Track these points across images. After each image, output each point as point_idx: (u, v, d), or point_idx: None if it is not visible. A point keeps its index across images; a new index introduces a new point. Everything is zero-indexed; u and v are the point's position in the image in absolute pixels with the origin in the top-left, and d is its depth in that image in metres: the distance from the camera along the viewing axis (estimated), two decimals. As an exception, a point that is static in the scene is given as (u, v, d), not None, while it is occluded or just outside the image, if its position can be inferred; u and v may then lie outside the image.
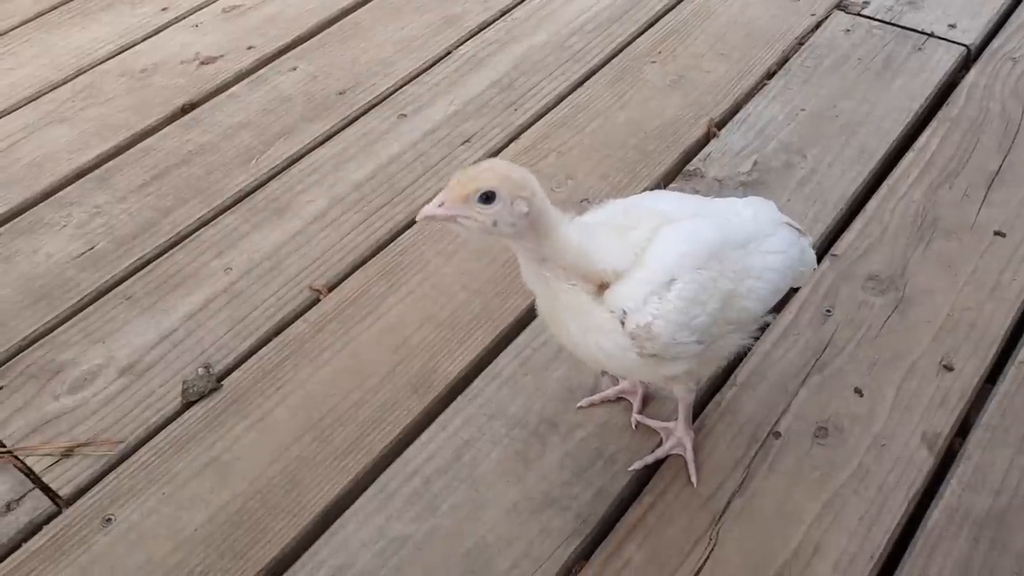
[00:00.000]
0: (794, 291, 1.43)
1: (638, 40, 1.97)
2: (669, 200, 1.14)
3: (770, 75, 1.87)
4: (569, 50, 1.96)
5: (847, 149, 1.69)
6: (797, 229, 1.17)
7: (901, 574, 1.13)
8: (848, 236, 1.53)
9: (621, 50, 1.95)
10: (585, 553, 1.16)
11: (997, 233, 1.52)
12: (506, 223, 0.95)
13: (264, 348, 1.40)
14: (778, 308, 1.40)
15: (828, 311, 1.41)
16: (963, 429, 1.28)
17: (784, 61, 1.90)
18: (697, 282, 1.00)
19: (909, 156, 1.67)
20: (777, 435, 1.26)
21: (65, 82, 1.92)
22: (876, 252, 1.50)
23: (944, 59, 1.87)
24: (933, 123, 1.74)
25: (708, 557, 1.14)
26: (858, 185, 1.62)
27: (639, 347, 1.00)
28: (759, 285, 1.08)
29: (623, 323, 0.99)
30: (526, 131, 1.77)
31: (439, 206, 0.95)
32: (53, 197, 1.67)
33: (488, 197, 0.93)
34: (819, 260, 1.48)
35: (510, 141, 1.75)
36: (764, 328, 1.37)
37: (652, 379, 1.22)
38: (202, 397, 1.33)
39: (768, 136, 1.73)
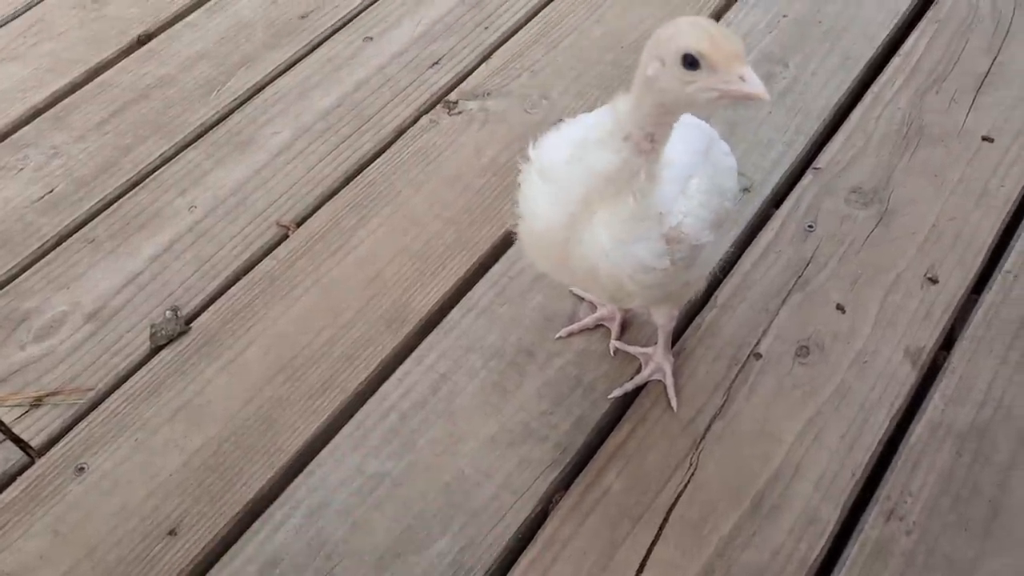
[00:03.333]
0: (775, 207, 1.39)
1: (613, -52, 1.88)
2: None
3: (751, -20, 1.79)
4: (541, -39, 1.87)
5: (831, 56, 1.62)
6: None
7: (883, 490, 1.12)
8: (831, 148, 1.48)
9: (595, -41, 1.86)
10: (564, 483, 1.15)
11: (985, 138, 1.47)
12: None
13: (232, 288, 1.37)
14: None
15: (810, 227, 1.37)
16: (948, 342, 1.26)
17: (766, -36, 1.82)
18: (707, 176, 0.98)
19: (895, 61, 1.61)
20: (758, 356, 1.24)
21: (15, 17, 1.83)
22: (860, 163, 1.45)
23: (933, -44, 1.79)
24: (920, 24, 1.67)
25: (688, 481, 1.13)
26: (842, 94, 1.56)
27: (672, 252, 0.94)
28: (729, 184, 1.06)
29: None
30: (497, 50, 1.70)
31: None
32: (8, 139, 1.60)
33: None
34: (801, 174, 1.45)
35: (481, 61, 1.68)
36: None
37: (653, 298, 1.09)
38: (171, 341, 1.30)
39: (749, 45, 1.65)
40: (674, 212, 0.94)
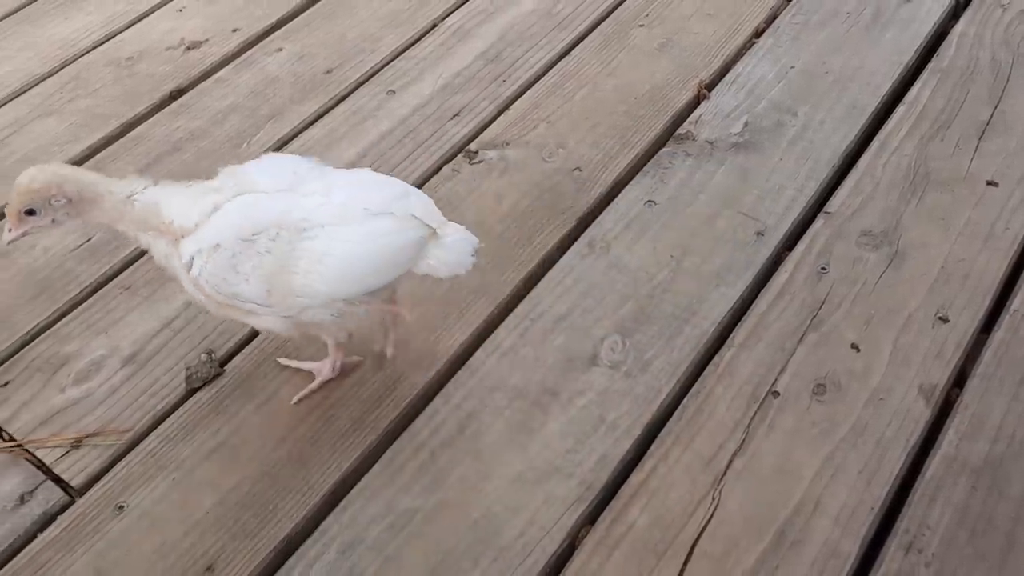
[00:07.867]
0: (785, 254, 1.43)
1: (625, 3, 1.96)
2: (277, 167, 1.20)
3: (759, 33, 1.87)
4: (556, 17, 1.95)
5: (838, 105, 1.69)
6: (428, 226, 1.15)
7: (902, 524, 1.15)
8: (841, 193, 1.53)
9: (608, 15, 1.94)
10: (590, 518, 1.18)
11: (989, 183, 1.52)
12: (60, 217, 1.11)
13: (265, 331, 1.42)
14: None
15: (823, 268, 1.42)
16: (960, 379, 1.29)
17: (773, 18, 1.89)
18: (232, 252, 1.11)
19: (900, 110, 1.67)
20: (776, 394, 1.28)
21: (51, 74, 1.92)
22: (869, 208, 1.50)
23: (933, 8, 1.87)
24: (924, 75, 1.73)
25: (711, 517, 1.16)
26: (849, 141, 1.62)
27: (200, 294, 1.15)
28: (321, 268, 1.12)
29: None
30: (515, 102, 1.77)
31: (10, 230, 1.12)
32: (47, 190, 1.67)
33: (31, 212, 1.09)
34: (813, 218, 1.50)
35: (499, 113, 1.75)
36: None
37: (273, 328, 1.22)
38: (206, 383, 1.34)
39: (758, 96, 1.72)
40: (194, 266, 1.13)
